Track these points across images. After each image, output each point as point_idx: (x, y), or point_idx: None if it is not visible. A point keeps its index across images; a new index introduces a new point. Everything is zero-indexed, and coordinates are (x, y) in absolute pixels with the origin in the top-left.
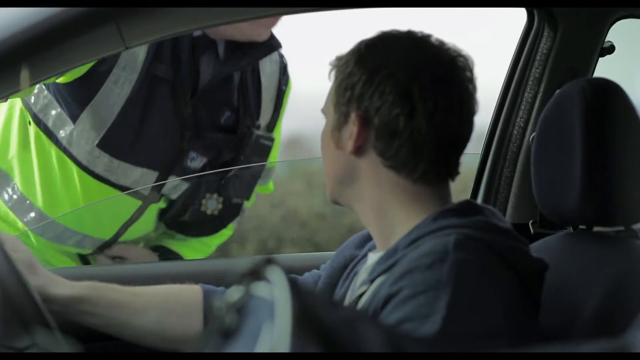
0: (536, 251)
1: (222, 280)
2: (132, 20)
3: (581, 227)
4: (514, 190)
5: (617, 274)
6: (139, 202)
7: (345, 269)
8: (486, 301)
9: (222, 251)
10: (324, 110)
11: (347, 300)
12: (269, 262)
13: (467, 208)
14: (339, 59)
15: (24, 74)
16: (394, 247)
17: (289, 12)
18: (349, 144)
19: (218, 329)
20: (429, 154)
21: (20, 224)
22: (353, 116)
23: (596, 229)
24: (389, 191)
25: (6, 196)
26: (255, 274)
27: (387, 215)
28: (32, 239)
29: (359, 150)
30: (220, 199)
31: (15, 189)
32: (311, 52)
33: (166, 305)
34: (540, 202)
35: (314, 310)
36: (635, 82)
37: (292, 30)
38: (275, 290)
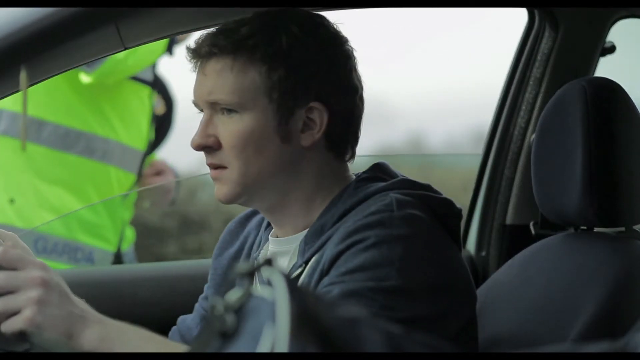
0: (537, 252)
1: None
2: (131, 21)
3: (582, 227)
4: (514, 190)
5: (618, 275)
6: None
7: (230, 268)
8: (439, 253)
9: None
10: (232, 104)
11: None
12: (269, 262)
13: (380, 172)
14: (252, 52)
15: (23, 74)
16: (319, 225)
17: None
18: (309, 136)
19: (218, 330)
20: (358, 132)
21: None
22: (310, 107)
23: (597, 229)
24: (325, 175)
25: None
26: (255, 274)
27: (313, 199)
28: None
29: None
30: None
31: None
32: None
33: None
34: (541, 203)
35: (313, 311)
36: (636, 82)
37: None
38: (274, 291)
